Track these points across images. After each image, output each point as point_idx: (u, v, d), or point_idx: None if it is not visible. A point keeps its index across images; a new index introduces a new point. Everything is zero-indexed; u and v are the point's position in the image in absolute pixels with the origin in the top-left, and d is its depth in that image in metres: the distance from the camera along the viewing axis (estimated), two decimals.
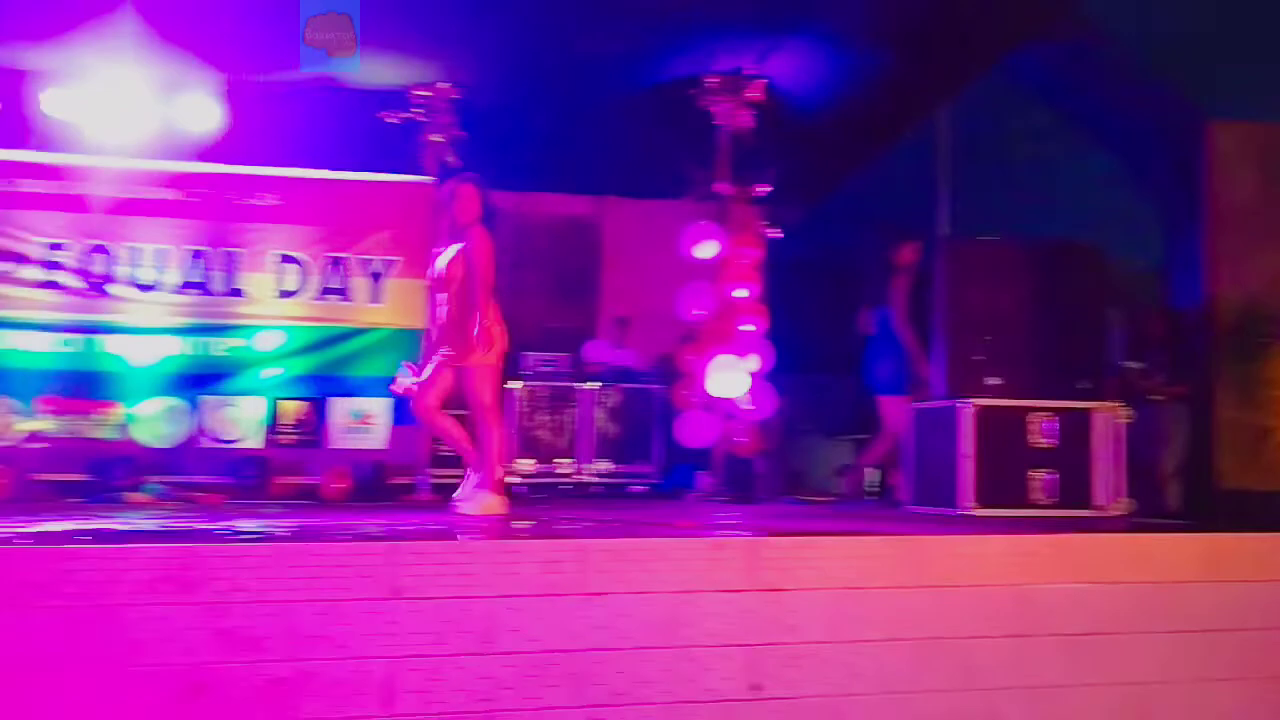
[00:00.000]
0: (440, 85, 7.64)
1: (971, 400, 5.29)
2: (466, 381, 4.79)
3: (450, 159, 7.71)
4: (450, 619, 2.71)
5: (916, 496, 5.74)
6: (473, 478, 4.90)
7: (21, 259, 7.27)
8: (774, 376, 7.41)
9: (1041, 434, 5.32)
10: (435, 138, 7.71)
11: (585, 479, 7.72)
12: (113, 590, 2.52)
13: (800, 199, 8.83)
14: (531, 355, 7.88)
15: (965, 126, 7.76)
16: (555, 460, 7.72)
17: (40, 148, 7.36)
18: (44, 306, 7.29)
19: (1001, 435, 5.27)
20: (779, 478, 7.72)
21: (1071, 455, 5.33)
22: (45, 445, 7.09)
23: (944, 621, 3.27)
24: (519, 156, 7.99)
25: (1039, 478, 5.29)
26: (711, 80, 7.40)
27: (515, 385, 7.68)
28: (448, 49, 7.28)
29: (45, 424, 7.15)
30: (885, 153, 8.67)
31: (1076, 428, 5.35)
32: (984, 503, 5.18)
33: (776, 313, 7.53)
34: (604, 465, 7.76)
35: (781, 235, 7.83)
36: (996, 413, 5.31)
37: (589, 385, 7.85)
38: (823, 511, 6.14)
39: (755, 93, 7.41)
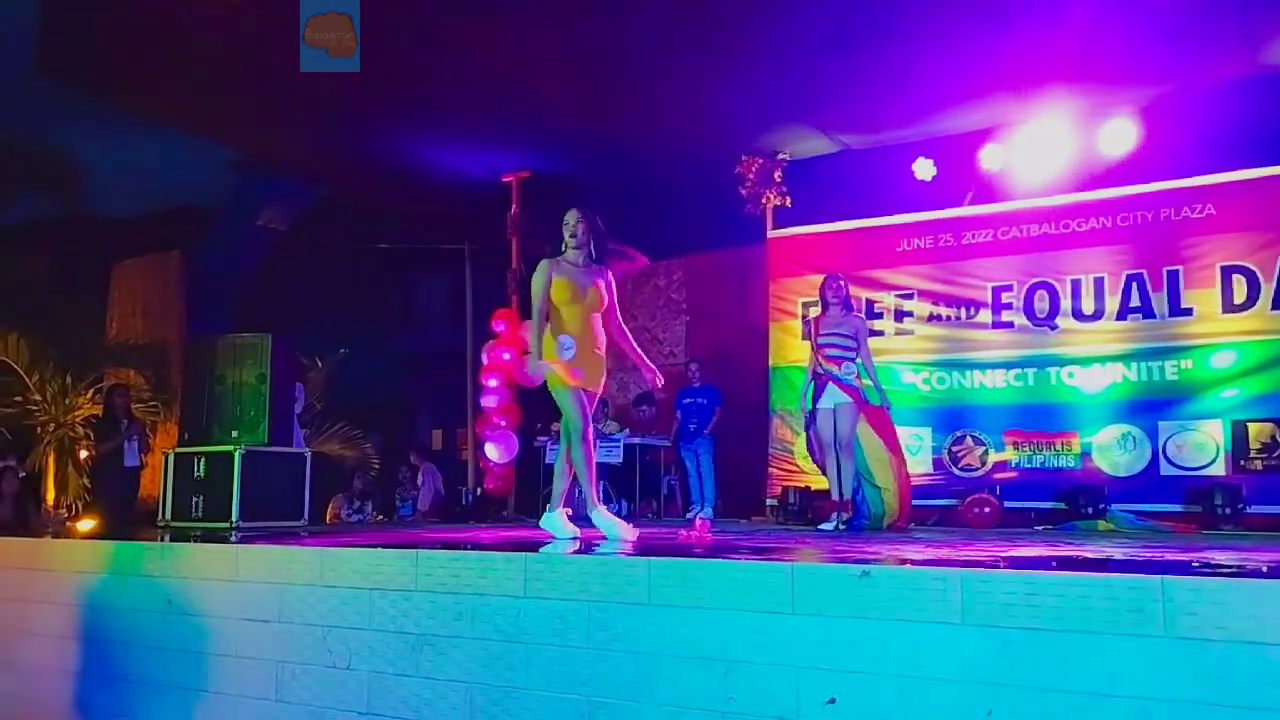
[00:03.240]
0: None
1: None
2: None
3: None
4: None
5: None
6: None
7: (975, 305, 8.03)
8: None
9: None
10: None
11: None
12: (1083, 617, 2.59)
13: None
14: None
15: None
16: None
17: (980, 201, 8.08)
18: (999, 346, 7.92)
19: None
20: None
21: None
22: (1015, 475, 7.64)
23: None
24: None
25: None
26: None
27: None
28: None
29: (1012, 455, 7.71)
30: None
31: None
32: None
33: None
34: None
35: None
36: None
37: None
38: None
39: None
